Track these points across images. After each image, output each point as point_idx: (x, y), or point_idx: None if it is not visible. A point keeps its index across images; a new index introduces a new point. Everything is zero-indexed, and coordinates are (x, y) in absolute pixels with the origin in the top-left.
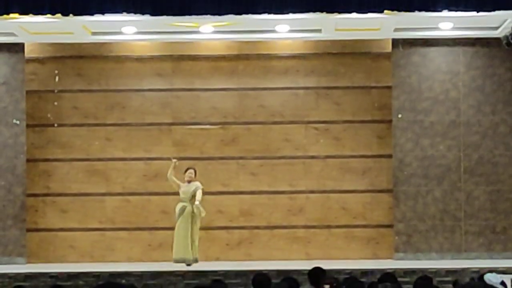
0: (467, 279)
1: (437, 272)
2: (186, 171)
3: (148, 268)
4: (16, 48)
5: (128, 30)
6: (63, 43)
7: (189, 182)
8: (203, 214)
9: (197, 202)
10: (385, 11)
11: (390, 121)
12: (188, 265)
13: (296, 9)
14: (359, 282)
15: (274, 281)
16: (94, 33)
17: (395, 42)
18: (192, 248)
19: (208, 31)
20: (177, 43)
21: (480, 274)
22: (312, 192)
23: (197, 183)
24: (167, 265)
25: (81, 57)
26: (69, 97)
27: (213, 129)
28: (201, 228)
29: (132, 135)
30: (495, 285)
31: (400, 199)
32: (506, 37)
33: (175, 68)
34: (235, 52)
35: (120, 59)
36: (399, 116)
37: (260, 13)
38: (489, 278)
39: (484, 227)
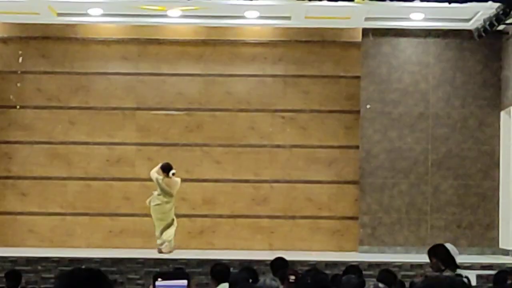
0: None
1: (402, 265)
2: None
3: (108, 254)
4: None
5: (95, 12)
6: (28, 23)
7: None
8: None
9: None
10: (356, 0)
11: (358, 112)
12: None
13: None
14: (323, 274)
15: (233, 270)
16: (59, 14)
17: (365, 32)
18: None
19: (175, 15)
20: (144, 26)
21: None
22: (277, 181)
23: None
24: (128, 251)
25: (45, 38)
26: (32, 79)
27: (178, 115)
28: None
29: (95, 119)
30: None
31: (366, 191)
32: (478, 29)
33: (141, 52)
34: (203, 38)
35: (86, 42)
36: (368, 106)
37: None
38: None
39: (450, 222)
